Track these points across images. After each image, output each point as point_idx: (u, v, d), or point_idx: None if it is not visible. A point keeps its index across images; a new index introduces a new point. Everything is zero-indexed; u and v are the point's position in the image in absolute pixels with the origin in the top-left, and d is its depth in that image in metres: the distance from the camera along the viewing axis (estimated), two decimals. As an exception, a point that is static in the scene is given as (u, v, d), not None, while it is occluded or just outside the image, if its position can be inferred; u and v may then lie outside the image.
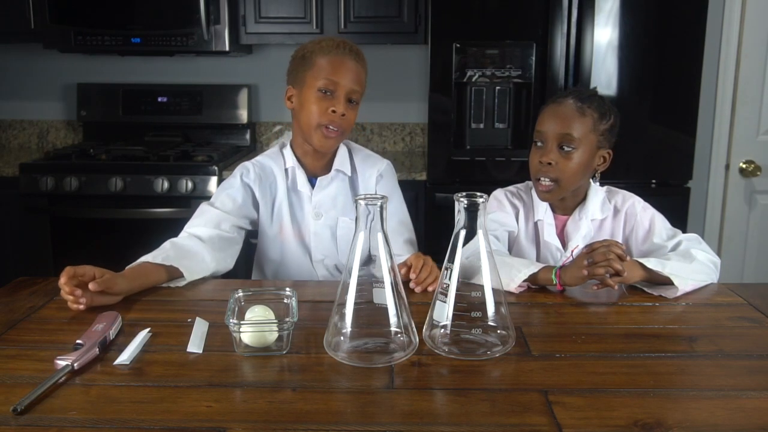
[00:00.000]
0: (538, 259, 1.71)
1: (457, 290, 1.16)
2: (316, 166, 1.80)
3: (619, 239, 1.70)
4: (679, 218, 2.77)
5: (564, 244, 1.70)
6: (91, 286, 1.32)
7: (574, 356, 1.17)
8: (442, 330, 1.18)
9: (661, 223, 1.69)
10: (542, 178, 1.63)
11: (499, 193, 1.79)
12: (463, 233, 1.16)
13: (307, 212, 1.79)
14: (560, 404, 1.00)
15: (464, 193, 1.15)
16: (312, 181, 1.79)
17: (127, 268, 1.47)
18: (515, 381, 1.09)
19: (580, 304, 1.44)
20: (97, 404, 1.00)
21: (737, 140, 3.20)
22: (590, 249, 1.44)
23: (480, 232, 1.16)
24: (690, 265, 1.50)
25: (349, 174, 1.81)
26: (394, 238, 1.69)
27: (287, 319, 1.17)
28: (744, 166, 3.19)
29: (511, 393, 1.04)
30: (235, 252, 1.72)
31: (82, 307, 1.33)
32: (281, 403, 1.01)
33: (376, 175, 1.83)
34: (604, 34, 2.73)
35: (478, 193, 1.15)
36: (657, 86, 2.78)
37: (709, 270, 1.54)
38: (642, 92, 2.80)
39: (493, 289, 1.17)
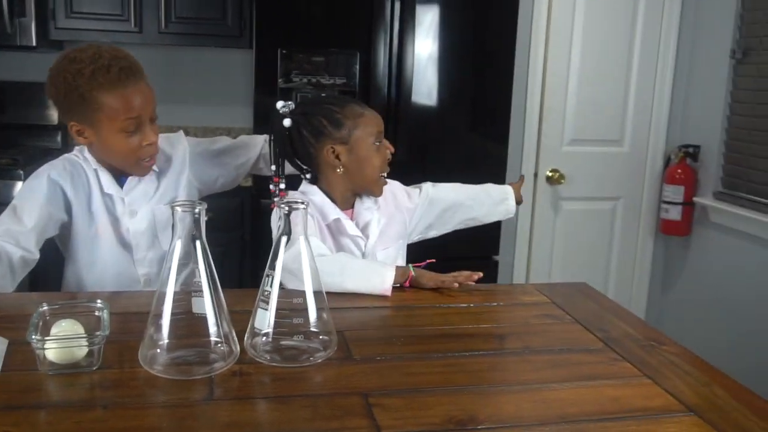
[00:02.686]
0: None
1: (278, 297, 1.15)
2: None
3: (395, 215, 1.82)
4: (492, 223, 2.93)
5: (363, 232, 1.77)
6: None
7: (394, 358, 1.20)
8: (264, 338, 1.17)
9: (407, 191, 1.88)
10: (385, 173, 1.73)
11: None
12: (283, 240, 1.15)
13: (121, 212, 1.71)
14: (380, 406, 1.02)
15: (284, 200, 1.15)
16: (121, 180, 1.71)
17: None
18: (337, 385, 1.10)
19: (401, 307, 1.48)
20: None
21: (544, 150, 3.45)
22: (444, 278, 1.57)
23: (301, 238, 1.16)
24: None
25: (156, 169, 1.75)
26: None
27: (98, 333, 1.10)
28: (550, 174, 3.45)
29: (333, 397, 1.05)
30: (24, 273, 1.58)
31: None
32: (91, 422, 0.95)
33: (186, 147, 1.80)
34: (425, 45, 2.84)
35: (299, 200, 1.15)
36: (473, 98, 2.94)
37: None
38: (459, 103, 2.94)
39: (315, 294, 1.17)
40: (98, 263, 1.71)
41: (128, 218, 1.72)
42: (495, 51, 2.94)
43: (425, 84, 2.87)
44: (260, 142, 1.92)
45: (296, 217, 1.15)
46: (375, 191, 1.75)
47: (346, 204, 1.77)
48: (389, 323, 1.40)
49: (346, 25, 2.81)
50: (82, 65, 1.54)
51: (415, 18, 2.79)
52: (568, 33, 3.34)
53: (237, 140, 1.93)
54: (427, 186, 1.88)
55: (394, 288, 1.52)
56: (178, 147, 1.81)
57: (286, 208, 1.14)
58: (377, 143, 1.72)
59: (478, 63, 2.92)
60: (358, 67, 2.79)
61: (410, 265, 1.58)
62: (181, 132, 1.87)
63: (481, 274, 1.58)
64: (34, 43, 2.83)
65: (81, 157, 1.71)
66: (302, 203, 1.15)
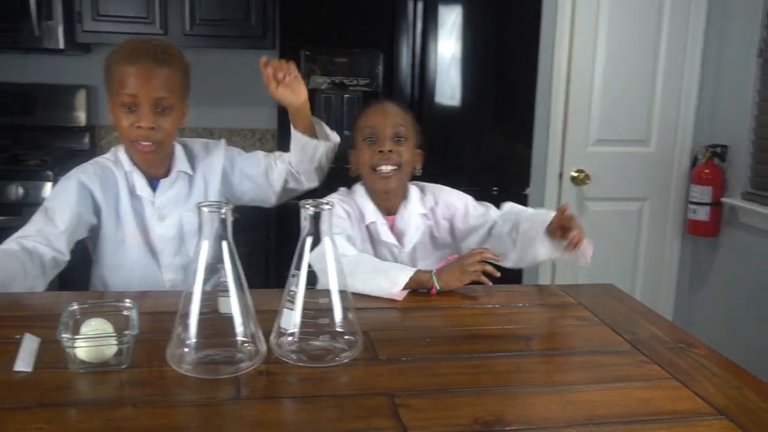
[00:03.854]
0: None
1: (304, 297, 1.16)
2: (154, 171, 1.72)
3: (443, 228, 1.83)
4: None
5: (399, 241, 1.77)
6: None
7: (420, 359, 1.20)
8: (290, 338, 1.17)
9: (474, 204, 1.84)
10: (383, 166, 1.71)
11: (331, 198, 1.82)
12: (309, 240, 1.16)
13: (150, 216, 1.72)
14: (406, 406, 1.02)
15: (310, 201, 1.15)
16: (153, 184, 1.72)
17: None
18: (362, 386, 1.10)
19: (426, 308, 1.48)
20: None
21: (569, 150, 3.42)
22: (464, 256, 1.53)
23: (326, 239, 1.16)
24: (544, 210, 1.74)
25: (191, 173, 1.75)
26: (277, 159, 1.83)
27: (126, 332, 1.12)
28: (575, 174, 3.42)
29: (359, 398, 1.05)
30: (55, 273, 1.62)
31: None
32: (120, 420, 0.96)
33: (222, 159, 1.79)
34: (448, 45, 2.83)
35: (324, 201, 1.16)
36: (497, 97, 2.92)
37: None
38: (483, 103, 2.93)
39: (340, 294, 1.18)
40: (124, 267, 1.73)
41: (157, 223, 1.72)
42: (518, 50, 2.92)
43: (448, 84, 2.87)
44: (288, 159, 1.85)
45: (322, 218, 1.15)
46: (373, 186, 1.76)
47: (391, 208, 1.78)
48: (414, 324, 1.40)
49: (369, 26, 2.81)
50: (123, 46, 1.62)
51: (438, 18, 2.79)
52: (593, 31, 3.31)
53: (270, 156, 1.87)
54: (497, 216, 1.81)
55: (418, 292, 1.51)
56: (214, 155, 1.80)
57: (312, 209, 1.15)
58: (367, 140, 1.73)
59: (501, 62, 2.91)
60: (381, 67, 2.79)
61: (434, 270, 1.53)
62: (223, 141, 1.86)
63: (499, 257, 1.55)
64: (61, 46, 2.86)
65: (113, 159, 1.73)
66: (327, 203, 1.15)
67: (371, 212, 1.76)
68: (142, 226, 1.72)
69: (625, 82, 3.38)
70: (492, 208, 1.84)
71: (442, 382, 1.12)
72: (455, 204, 1.83)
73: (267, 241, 2.91)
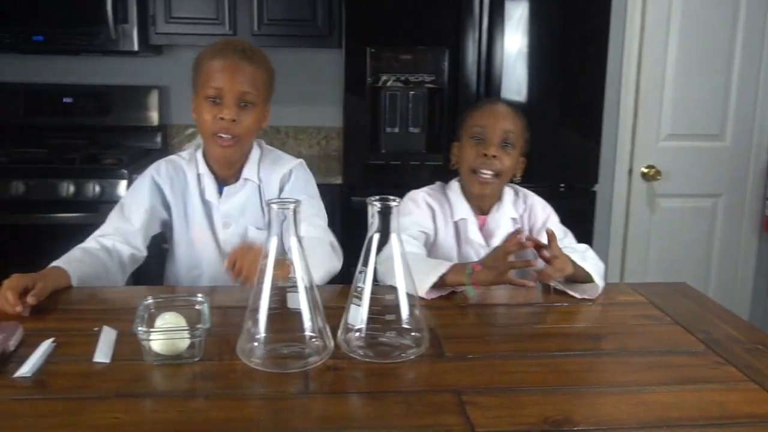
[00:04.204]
0: (459, 259, 1.73)
1: (371, 293, 1.16)
2: (226, 174, 1.74)
3: (527, 234, 1.77)
4: (585, 221, 2.88)
5: (487, 242, 1.75)
6: (29, 300, 1.31)
7: (487, 356, 1.20)
8: (357, 333, 1.18)
9: (553, 222, 1.78)
10: (483, 171, 1.68)
11: (415, 194, 1.81)
12: (376, 237, 1.16)
13: (218, 221, 1.74)
14: (473, 404, 1.01)
15: (377, 197, 1.15)
16: (221, 188, 1.74)
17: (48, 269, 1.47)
18: (429, 382, 1.11)
19: (492, 305, 1.47)
20: (-4, 419, 0.95)
21: (639, 146, 3.34)
22: (498, 250, 1.46)
23: (393, 235, 1.16)
24: (598, 263, 1.57)
25: (258, 182, 1.75)
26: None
27: (199, 326, 1.15)
28: (646, 170, 3.34)
29: (425, 394, 1.05)
30: (133, 269, 1.68)
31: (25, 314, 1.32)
32: (193, 411, 0.99)
33: (279, 179, 1.75)
34: (514, 40, 2.80)
35: (391, 197, 1.15)
36: (564, 93, 2.87)
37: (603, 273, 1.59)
38: (550, 98, 2.89)
39: (407, 291, 1.18)
40: (196, 267, 1.76)
41: (222, 229, 1.74)
42: (587, 44, 2.86)
43: (515, 80, 2.83)
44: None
45: (389, 214, 1.16)
46: (469, 188, 1.74)
47: (484, 208, 1.76)
48: (481, 321, 1.39)
49: (435, 22, 2.80)
50: (214, 44, 1.66)
51: (504, 13, 2.76)
52: (665, 22, 3.22)
53: (312, 224, 1.66)
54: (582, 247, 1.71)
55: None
56: (284, 168, 1.77)
57: (379, 205, 1.15)
58: (473, 139, 1.71)
59: (569, 57, 2.85)
60: (446, 63, 2.78)
61: (469, 265, 1.46)
62: (302, 163, 1.82)
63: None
64: (135, 48, 2.95)
65: (187, 158, 1.76)
66: (394, 200, 1.15)
67: (463, 210, 1.75)
68: (211, 230, 1.74)
69: (699, 75, 3.27)
70: (569, 236, 1.75)
71: (510, 380, 1.11)
72: (538, 215, 1.79)
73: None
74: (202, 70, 1.64)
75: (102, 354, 1.15)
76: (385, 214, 1.15)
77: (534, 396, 1.05)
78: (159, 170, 1.74)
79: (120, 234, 1.65)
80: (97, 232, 1.65)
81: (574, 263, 1.49)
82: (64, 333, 1.24)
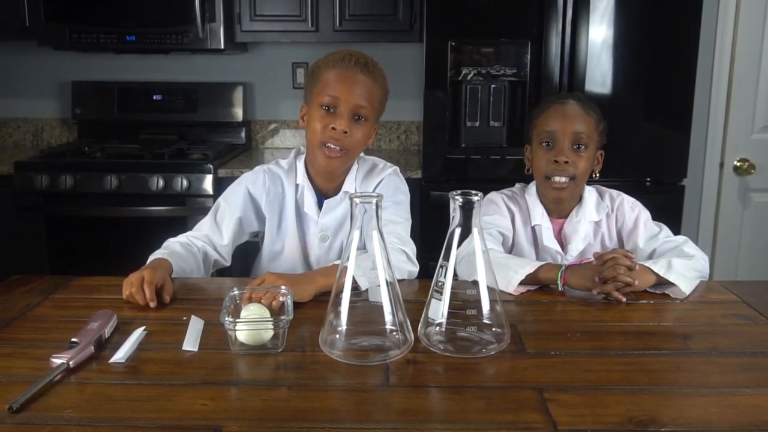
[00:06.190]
0: None
1: (452, 288, 1.16)
2: (327, 187, 1.72)
3: (614, 239, 1.72)
4: (673, 216, 2.78)
5: (563, 247, 1.71)
6: (165, 299, 1.39)
7: (569, 354, 1.18)
8: (437, 328, 1.18)
9: (645, 222, 1.70)
10: (557, 177, 1.64)
11: (495, 196, 1.78)
12: (458, 231, 1.16)
13: (313, 234, 1.72)
14: (555, 401, 1.00)
15: (459, 192, 1.15)
16: (321, 201, 1.71)
17: (154, 260, 1.53)
18: (510, 378, 1.10)
19: (575, 301, 1.44)
20: (93, 402, 1.00)
21: (731, 138, 3.21)
22: (601, 261, 1.44)
23: (475, 230, 1.16)
24: (690, 262, 1.50)
25: (352, 189, 1.71)
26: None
27: (283, 317, 1.17)
28: (738, 164, 3.20)
29: (506, 390, 1.05)
30: (212, 271, 1.72)
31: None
32: (276, 401, 1.01)
33: (373, 189, 1.71)
34: (599, 32, 2.73)
35: (473, 192, 1.15)
36: (651, 84, 2.78)
37: (704, 267, 1.55)
38: (636, 90, 2.80)
39: (488, 286, 1.17)
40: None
41: (317, 243, 1.72)
42: (676, 34, 2.76)
43: (599, 72, 2.76)
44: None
45: (471, 208, 1.15)
46: (544, 194, 1.71)
47: (562, 212, 1.72)
48: (563, 318, 1.37)
49: (517, 15, 2.76)
50: (332, 54, 1.64)
51: (589, 4, 2.69)
52: (762, 9, 3.08)
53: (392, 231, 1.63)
54: (679, 241, 1.64)
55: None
56: (378, 178, 1.73)
57: (461, 200, 1.15)
58: (545, 143, 1.67)
59: (657, 47, 2.76)
60: (528, 56, 2.73)
61: (564, 266, 1.47)
62: (396, 170, 1.78)
63: (633, 256, 1.45)
64: (222, 46, 3.03)
65: (286, 168, 1.74)
66: (476, 194, 1.14)
67: (539, 215, 1.71)
68: (302, 243, 1.73)
69: (798, 63, 3.11)
70: (665, 230, 1.69)
71: (593, 378, 1.09)
72: (626, 215, 1.71)
73: (413, 231, 2.93)
74: (319, 78, 1.61)
75: (190, 343, 1.20)
76: (467, 208, 1.15)
77: (618, 395, 1.03)
78: (256, 181, 1.73)
79: (210, 242, 1.68)
80: (192, 233, 1.69)
81: (656, 273, 1.45)
82: (154, 322, 1.29)
